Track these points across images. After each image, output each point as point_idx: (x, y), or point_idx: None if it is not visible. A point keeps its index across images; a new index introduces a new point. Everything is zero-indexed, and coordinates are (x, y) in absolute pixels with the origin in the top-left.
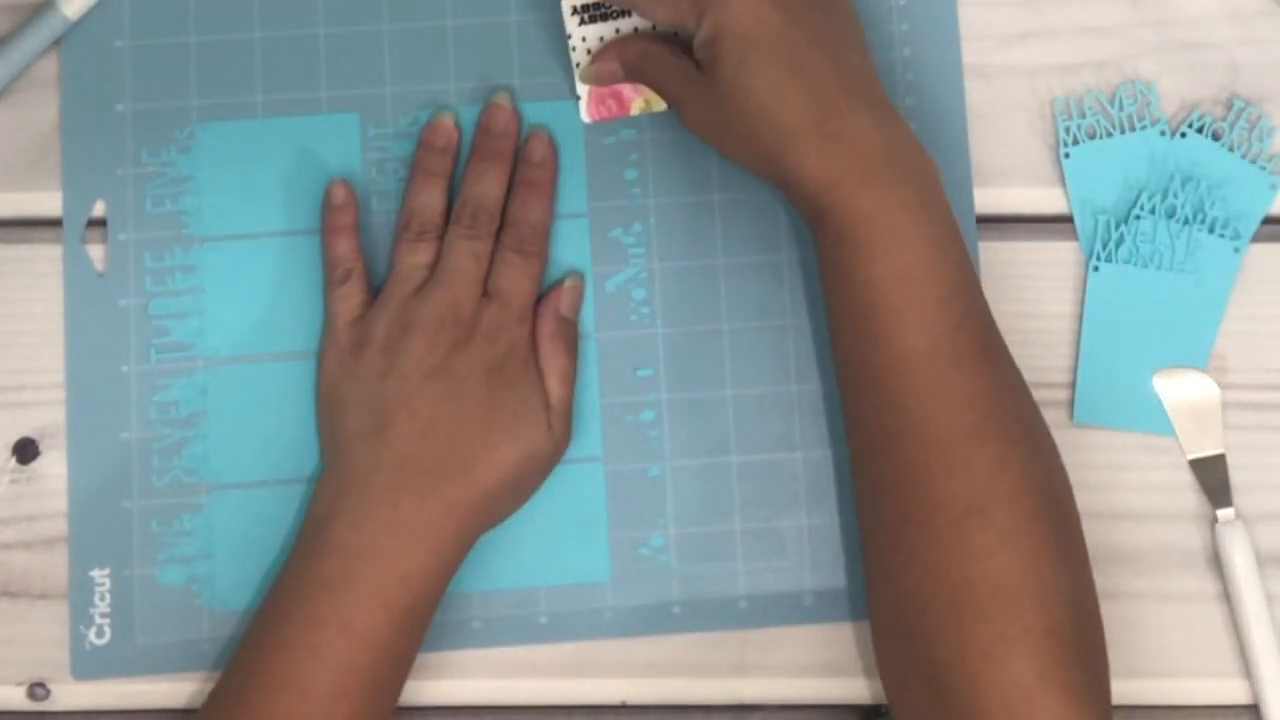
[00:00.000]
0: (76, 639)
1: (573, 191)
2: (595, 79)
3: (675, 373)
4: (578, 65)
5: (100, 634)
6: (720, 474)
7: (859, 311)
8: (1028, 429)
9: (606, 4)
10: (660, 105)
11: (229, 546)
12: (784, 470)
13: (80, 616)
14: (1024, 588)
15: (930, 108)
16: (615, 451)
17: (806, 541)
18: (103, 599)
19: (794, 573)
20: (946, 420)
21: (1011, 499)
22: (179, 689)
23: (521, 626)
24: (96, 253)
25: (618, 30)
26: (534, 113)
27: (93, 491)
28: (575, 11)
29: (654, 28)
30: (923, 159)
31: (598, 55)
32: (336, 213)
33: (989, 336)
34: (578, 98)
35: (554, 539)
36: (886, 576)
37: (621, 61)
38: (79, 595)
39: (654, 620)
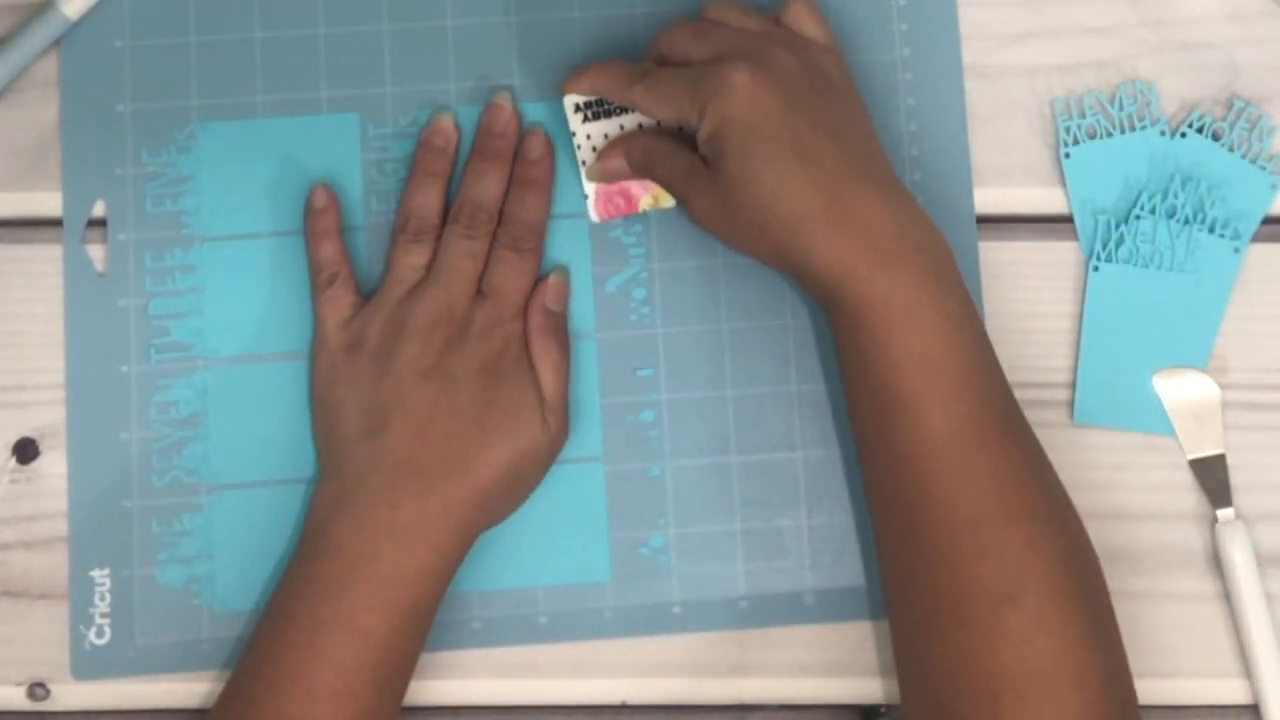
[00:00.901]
0: (76, 639)
1: (572, 191)
2: (602, 176)
3: (675, 373)
4: (583, 163)
5: (100, 634)
6: (720, 474)
7: (879, 395)
8: (1056, 508)
9: (610, 101)
10: (669, 201)
11: (229, 547)
12: (784, 470)
13: (80, 616)
14: (1060, 671)
15: (930, 108)
16: (615, 451)
17: (806, 541)
18: (103, 599)
19: (794, 573)
20: (975, 502)
21: (1044, 582)
22: (179, 689)
23: (521, 626)
24: (96, 253)
25: (622, 127)
26: (534, 113)
27: (93, 491)
28: (578, 109)
29: (658, 123)
30: (934, 236)
31: (603, 152)
32: (319, 216)
33: (1012, 414)
34: (585, 196)
35: (554, 539)
36: (918, 661)
37: (627, 158)
38: (79, 595)
39: (654, 620)
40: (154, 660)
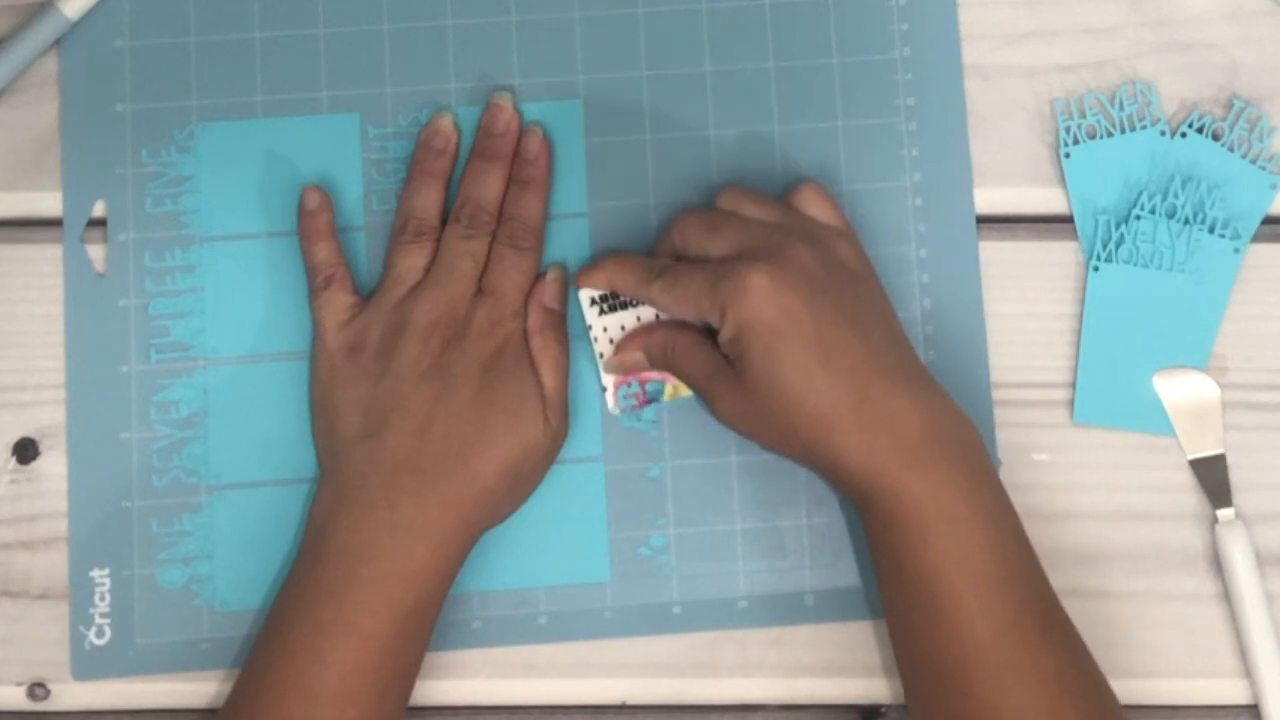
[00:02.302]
0: (76, 639)
1: (573, 192)
2: (620, 369)
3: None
4: (601, 356)
5: (100, 634)
6: (720, 474)
7: (917, 598)
8: (1102, 704)
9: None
10: (688, 391)
11: (229, 547)
12: (784, 470)
13: (80, 617)
14: None
15: (930, 108)
16: (615, 451)
17: (806, 541)
18: (103, 599)
19: (794, 573)
20: (1020, 704)
21: None
22: (178, 689)
23: (522, 626)
24: (97, 253)
25: (639, 318)
26: (534, 113)
27: (93, 491)
28: (594, 303)
29: None
30: (966, 429)
31: (621, 345)
32: (312, 218)
33: (1053, 610)
34: (603, 388)
35: (554, 539)
36: None
37: (646, 352)
38: (79, 595)
39: (654, 620)
40: (154, 660)
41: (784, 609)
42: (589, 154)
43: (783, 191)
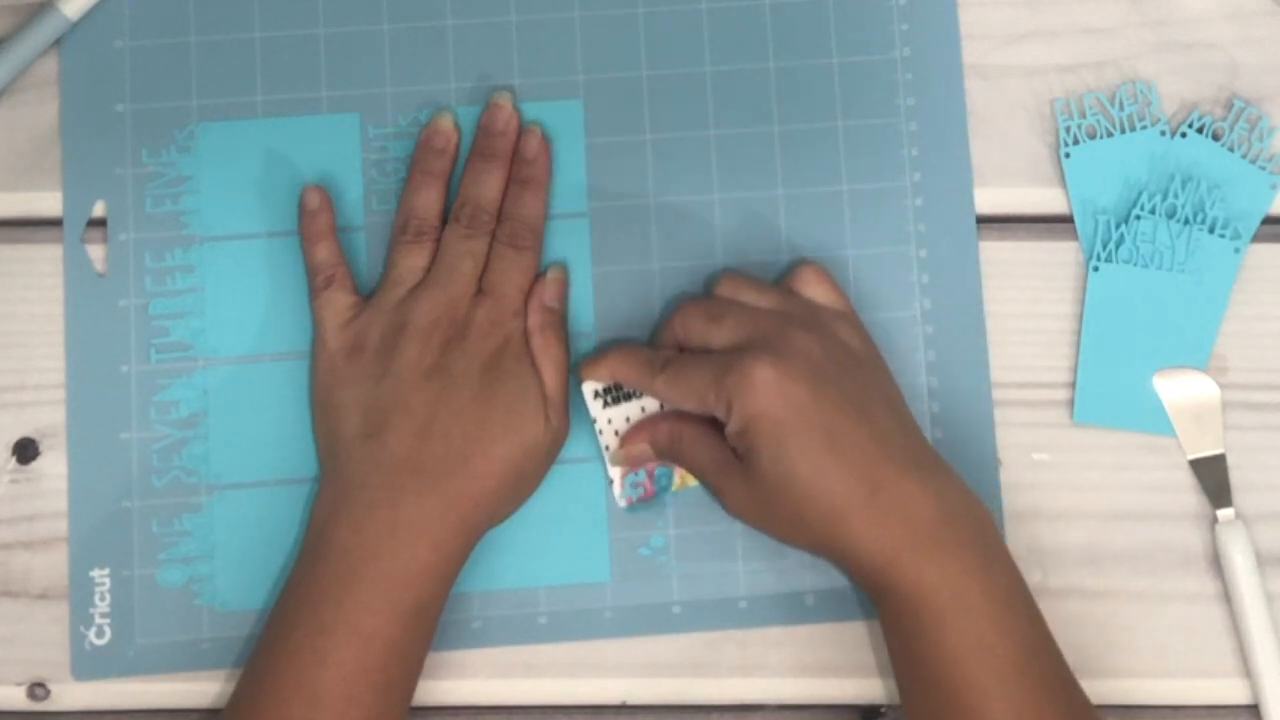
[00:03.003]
0: (76, 639)
1: (573, 191)
2: (626, 462)
3: None
4: (606, 448)
5: (100, 634)
6: None
7: (935, 686)
8: None
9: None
10: (695, 481)
11: (229, 547)
12: None
13: (80, 617)
14: None
15: (930, 108)
16: None
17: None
18: (103, 599)
19: (794, 573)
20: None
21: None
22: (178, 689)
23: (521, 626)
24: (97, 253)
25: (643, 409)
26: (534, 113)
27: (93, 491)
28: (598, 395)
29: None
30: (978, 512)
31: (627, 436)
32: (312, 218)
33: (1073, 693)
34: (610, 480)
35: (554, 539)
36: None
37: (652, 443)
38: (79, 595)
39: (654, 620)
40: (154, 660)
41: (784, 609)
42: (589, 154)
43: (784, 266)
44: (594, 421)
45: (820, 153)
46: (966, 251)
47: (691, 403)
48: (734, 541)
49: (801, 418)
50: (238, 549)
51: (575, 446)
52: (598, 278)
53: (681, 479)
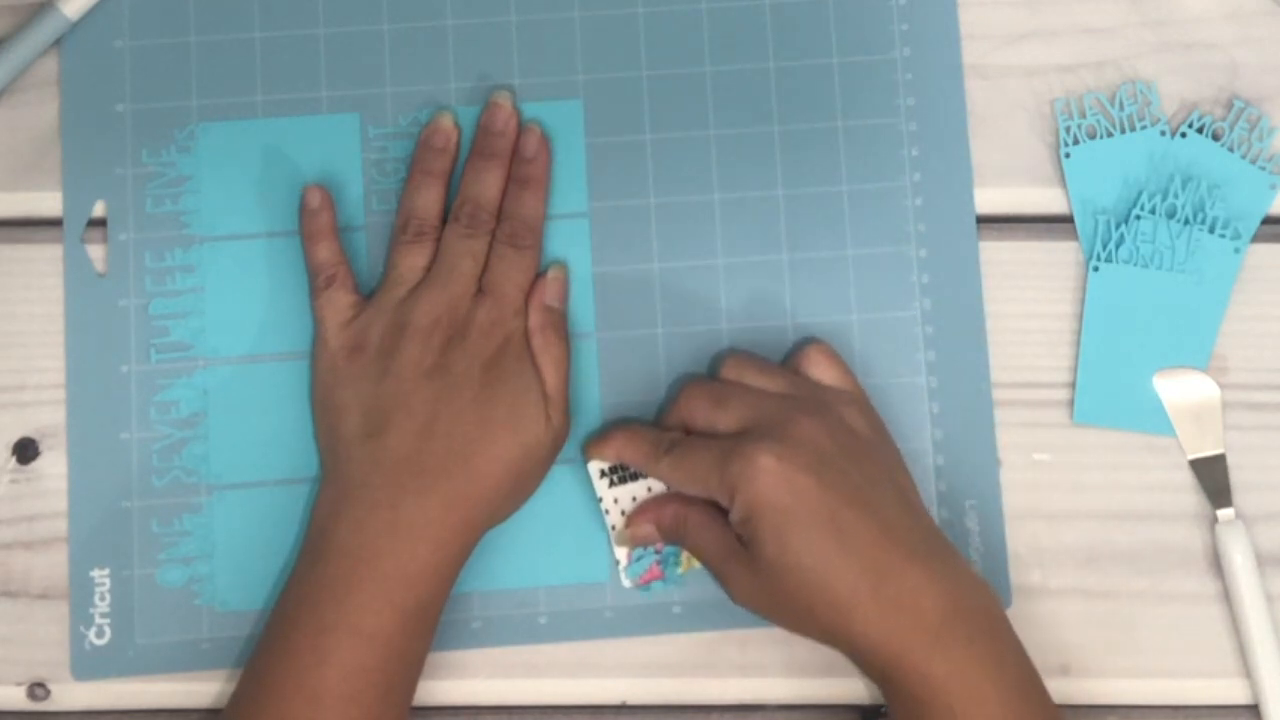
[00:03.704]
0: (76, 639)
1: (574, 192)
2: (632, 542)
3: (677, 373)
4: (613, 528)
5: (100, 634)
6: None
7: None
8: None
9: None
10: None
11: (229, 546)
12: None
13: (80, 617)
14: None
15: (930, 108)
16: None
17: None
18: (103, 599)
19: None
20: None
21: None
22: (178, 689)
23: (521, 627)
24: (97, 253)
25: (649, 489)
26: (534, 113)
27: (93, 491)
28: (604, 474)
29: None
30: (985, 599)
31: (633, 517)
32: (313, 217)
33: None
34: (616, 562)
35: (554, 539)
36: None
37: (657, 525)
38: (79, 595)
39: (654, 620)
40: (154, 660)
41: None
42: (589, 154)
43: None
44: (600, 500)
45: (820, 152)
46: (967, 251)
47: (695, 488)
48: None
49: (806, 507)
50: (238, 549)
51: (575, 447)
52: (598, 278)
53: (688, 560)
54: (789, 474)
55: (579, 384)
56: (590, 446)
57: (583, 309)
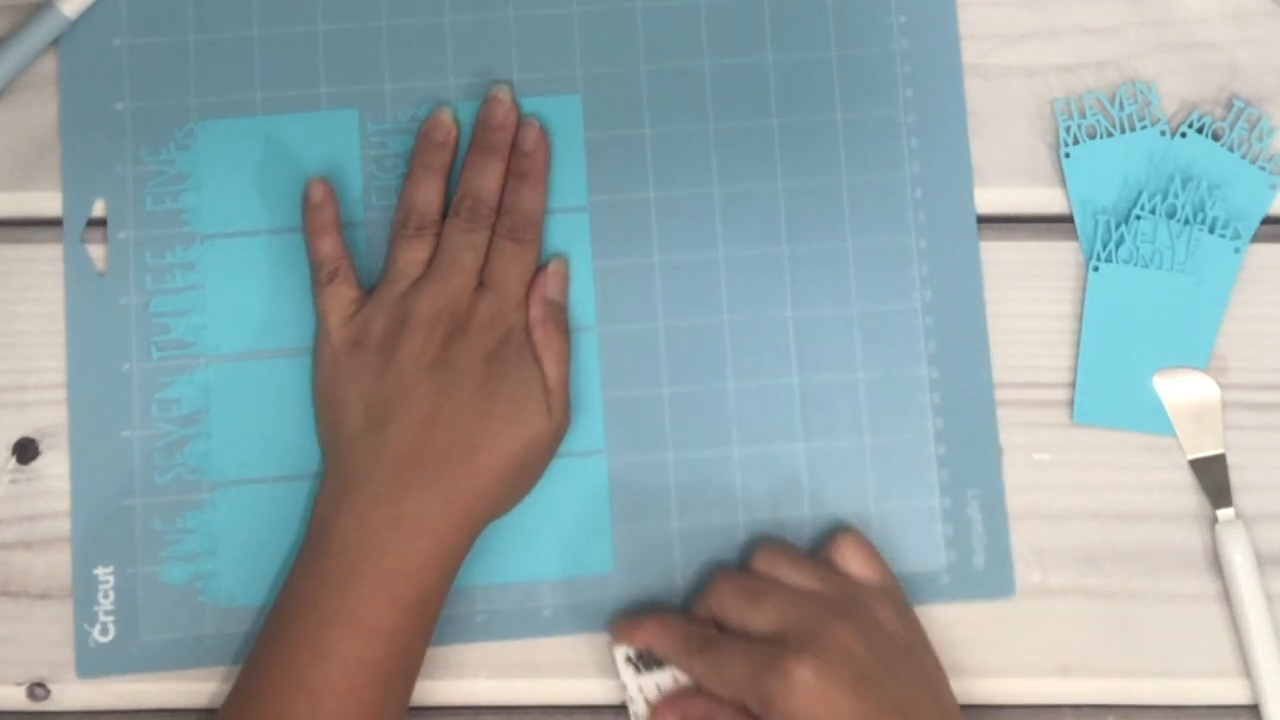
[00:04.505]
0: (81, 637)
1: (573, 186)
2: None
3: (677, 365)
4: (636, 716)
5: (104, 631)
6: (723, 466)
7: None
8: None
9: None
10: None
11: (232, 543)
12: (786, 462)
13: (84, 614)
14: None
15: (930, 107)
16: (618, 444)
17: (809, 532)
18: (106, 596)
19: None
20: None
21: None
22: (179, 688)
23: (526, 620)
24: (97, 251)
25: (675, 679)
26: (533, 108)
27: (95, 490)
28: (629, 661)
29: None
30: None
31: (660, 708)
32: (317, 211)
33: None
34: None
35: (558, 533)
36: None
37: None
38: (82, 593)
39: (660, 612)
40: (158, 657)
41: None
42: (588, 148)
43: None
44: (624, 688)
45: (819, 145)
46: (967, 252)
47: (729, 692)
48: (736, 533)
49: None
50: (241, 545)
51: (578, 440)
52: (598, 271)
53: None
54: (827, 693)
55: (579, 377)
56: (620, 630)
57: (583, 303)
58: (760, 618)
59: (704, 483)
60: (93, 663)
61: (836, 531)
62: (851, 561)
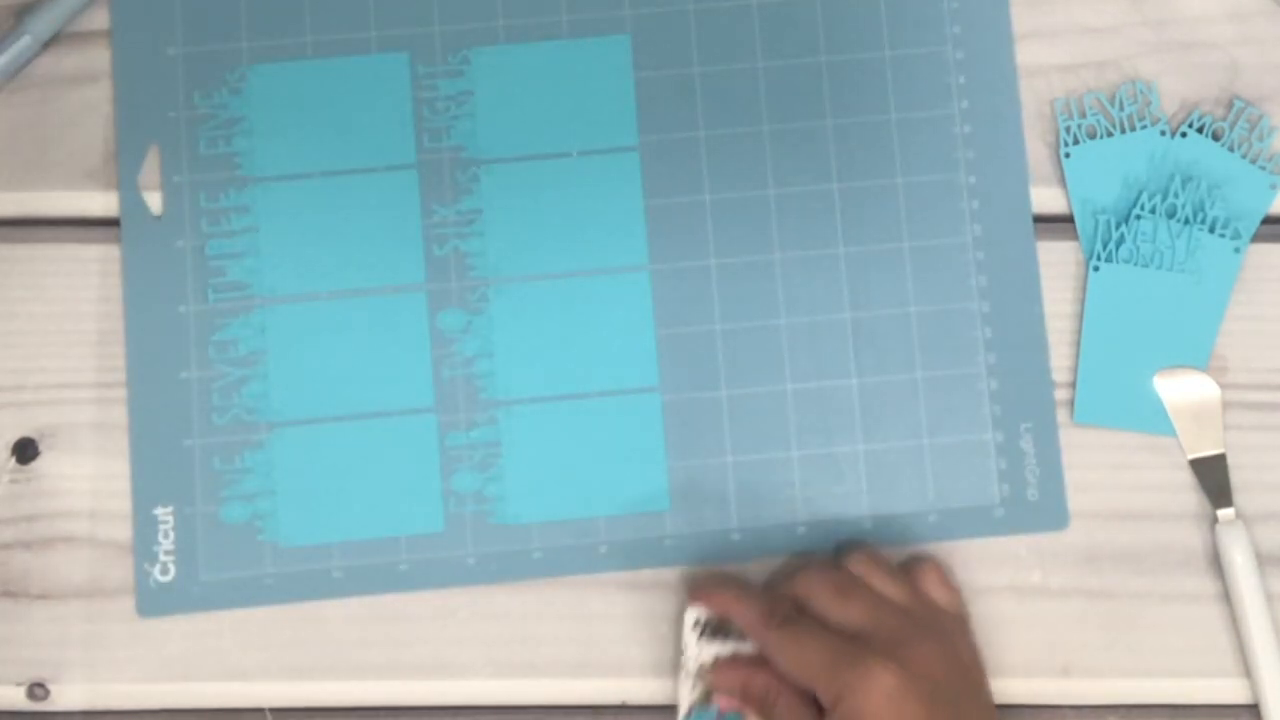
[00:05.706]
0: (141, 577)
1: (623, 124)
2: (711, 685)
3: (729, 302)
4: (689, 674)
5: (165, 571)
6: (776, 401)
7: None
8: None
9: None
10: None
11: (290, 482)
12: (840, 397)
13: (145, 554)
14: None
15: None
16: (671, 381)
17: (863, 466)
18: (166, 536)
19: (851, 498)
20: None
21: None
22: (179, 689)
23: (581, 556)
24: (152, 198)
25: (735, 654)
26: (581, 48)
27: (154, 431)
28: (697, 624)
29: None
30: None
31: (723, 667)
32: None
33: None
34: (679, 711)
35: (612, 469)
36: None
37: (744, 686)
38: (143, 534)
39: (713, 548)
40: (218, 596)
41: (841, 533)
42: (638, 87)
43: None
44: (685, 647)
45: (866, 74)
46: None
47: (801, 675)
48: (791, 468)
49: None
50: (299, 485)
51: (631, 377)
52: (650, 210)
53: None
54: (903, 699)
55: (632, 315)
56: (698, 591)
57: (635, 241)
58: (847, 613)
59: (757, 417)
60: (154, 602)
61: (920, 556)
62: (934, 587)
